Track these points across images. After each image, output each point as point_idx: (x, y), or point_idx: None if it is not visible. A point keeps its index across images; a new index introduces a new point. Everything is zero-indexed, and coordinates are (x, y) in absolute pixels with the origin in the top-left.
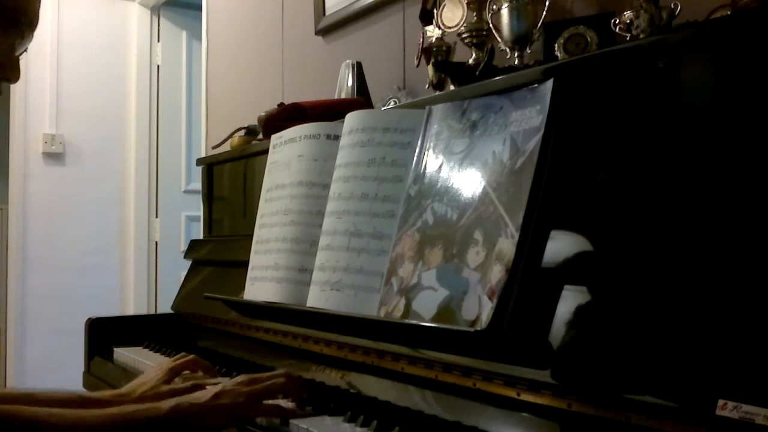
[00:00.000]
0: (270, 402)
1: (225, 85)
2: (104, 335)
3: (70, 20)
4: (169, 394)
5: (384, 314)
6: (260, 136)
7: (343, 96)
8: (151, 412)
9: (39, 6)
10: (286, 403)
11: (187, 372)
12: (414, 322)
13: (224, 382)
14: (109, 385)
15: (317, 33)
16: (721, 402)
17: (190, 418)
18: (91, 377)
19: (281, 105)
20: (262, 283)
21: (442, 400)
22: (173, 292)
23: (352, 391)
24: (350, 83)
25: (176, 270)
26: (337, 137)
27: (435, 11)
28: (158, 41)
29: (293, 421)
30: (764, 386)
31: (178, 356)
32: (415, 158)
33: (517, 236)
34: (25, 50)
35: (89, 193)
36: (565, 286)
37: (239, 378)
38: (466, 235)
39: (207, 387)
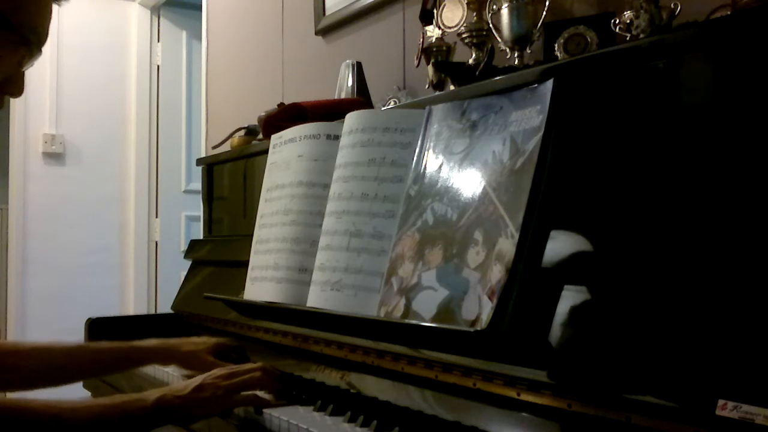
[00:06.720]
0: (247, 393)
1: (225, 85)
2: (104, 335)
3: (70, 20)
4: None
5: (384, 314)
6: (260, 136)
7: (343, 96)
8: (138, 403)
9: (49, 24)
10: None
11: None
12: (414, 322)
13: (203, 376)
14: (109, 386)
15: (317, 33)
16: (721, 402)
17: (174, 409)
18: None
19: (281, 105)
20: (262, 283)
21: (442, 400)
22: (173, 292)
23: (352, 391)
24: (350, 83)
25: (176, 270)
26: (337, 137)
27: (435, 11)
28: (158, 41)
29: (292, 421)
30: (764, 386)
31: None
32: (415, 158)
33: (517, 236)
34: (32, 65)
35: (89, 193)
36: (565, 286)
37: (218, 371)
38: (466, 235)
39: (186, 379)
